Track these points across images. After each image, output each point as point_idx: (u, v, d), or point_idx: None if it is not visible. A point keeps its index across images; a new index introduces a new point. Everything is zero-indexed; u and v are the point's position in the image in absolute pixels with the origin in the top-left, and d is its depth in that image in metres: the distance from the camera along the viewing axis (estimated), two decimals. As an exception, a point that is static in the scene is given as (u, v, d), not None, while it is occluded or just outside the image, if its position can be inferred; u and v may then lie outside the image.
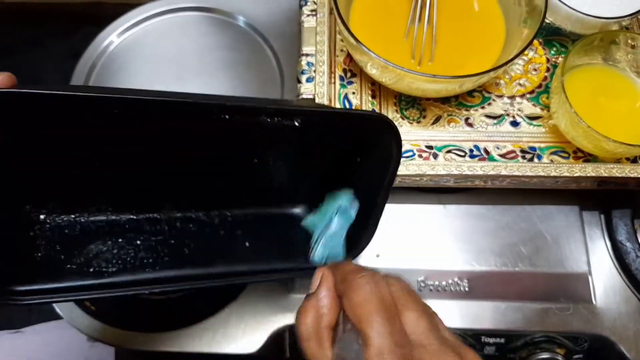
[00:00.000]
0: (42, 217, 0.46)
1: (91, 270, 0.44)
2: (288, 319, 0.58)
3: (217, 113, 0.41)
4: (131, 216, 0.48)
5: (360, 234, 0.46)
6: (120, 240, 0.47)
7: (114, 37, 0.76)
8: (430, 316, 0.35)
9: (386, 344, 0.31)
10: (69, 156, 0.44)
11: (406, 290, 0.36)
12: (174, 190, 0.48)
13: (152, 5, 0.77)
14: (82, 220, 0.47)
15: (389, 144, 0.43)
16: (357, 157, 0.47)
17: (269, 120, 0.43)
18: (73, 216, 0.47)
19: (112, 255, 0.45)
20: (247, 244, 0.49)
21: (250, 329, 0.58)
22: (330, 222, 0.45)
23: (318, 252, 0.44)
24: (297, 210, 0.52)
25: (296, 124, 0.45)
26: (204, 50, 0.74)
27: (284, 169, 0.49)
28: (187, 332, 0.58)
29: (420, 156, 0.56)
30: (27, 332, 0.97)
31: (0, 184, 0.42)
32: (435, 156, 0.56)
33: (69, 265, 0.44)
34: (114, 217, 0.48)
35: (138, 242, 0.47)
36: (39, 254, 0.43)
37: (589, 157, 0.57)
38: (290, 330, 0.59)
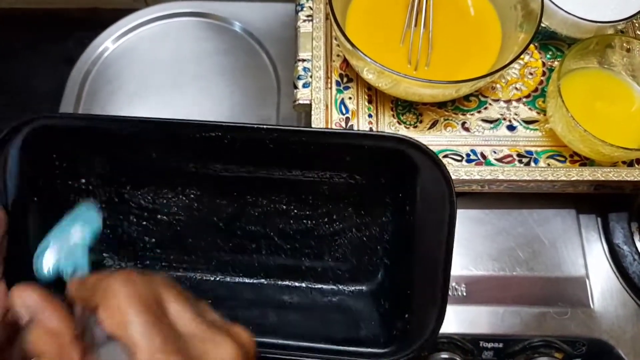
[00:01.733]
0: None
1: None
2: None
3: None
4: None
5: (426, 310, 0.40)
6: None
7: (109, 42, 0.76)
8: (195, 303, 0.33)
9: (156, 343, 0.28)
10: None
11: (166, 283, 0.33)
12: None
13: (147, 10, 0.77)
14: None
15: (436, 183, 0.38)
16: (403, 205, 0.42)
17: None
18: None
19: None
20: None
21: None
22: (69, 232, 0.39)
23: (47, 261, 0.37)
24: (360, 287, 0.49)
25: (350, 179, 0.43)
26: (200, 55, 0.74)
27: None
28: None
29: (417, 161, 0.56)
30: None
31: None
32: (432, 161, 0.56)
33: None
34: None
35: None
36: None
37: (585, 161, 0.57)
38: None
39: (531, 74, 0.62)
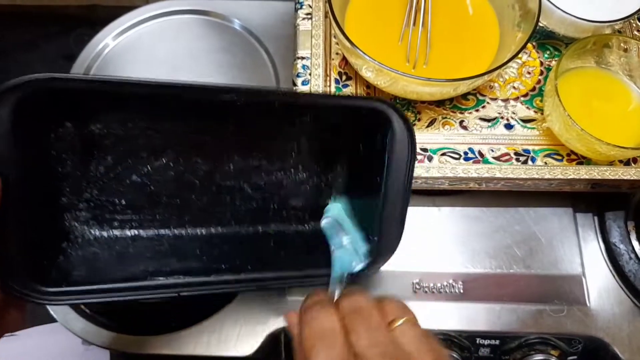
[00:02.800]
0: (77, 226, 0.47)
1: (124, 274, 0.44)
2: (283, 321, 0.59)
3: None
4: (163, 229, 0.49)
5: (384, 240, 0.46)
6: (153, 246, 0.48)
7: (109, 40, 0.76)
8: (394, 331, 0.36)
9: None
10: (122, 164, 0.46)
11: (367, 307, 0.37)
12: (208, 204, 0.49)
13: (147, 8, 0.77)
14: (119, 233, 0.48)
15: (399, 133, 0.43)
16: (370, 156, 0.47)
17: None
18: (112, 231, 0.48)
19: (146, 260, 0.46)
20: (281, 253, 0.50)
21: (245, 331, 0.58)
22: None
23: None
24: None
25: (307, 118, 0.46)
26: (199, 53, 0.74)
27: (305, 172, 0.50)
28: (183, 335, 0.58)
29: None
30: (22, 335, 0.96)
31: (45, 187, 0.43)
32: (430, 159, 0.56)
33: (102, 267, 0.45)
34: (151, 232, 0.49)
35: (167, 246, 0.48)
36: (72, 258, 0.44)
37: (582, 160, 0.57)
38: (285, 332, 0.59)
39: (529, 73, 0.62)
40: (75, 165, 0.45)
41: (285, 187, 0.50)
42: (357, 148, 0.48)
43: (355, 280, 0.45)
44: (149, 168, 0.47)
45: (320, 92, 0.46)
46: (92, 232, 0.47)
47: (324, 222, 0.48)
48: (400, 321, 0.36)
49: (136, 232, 0.48)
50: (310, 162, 0.50)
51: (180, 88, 0.40)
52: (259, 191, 0.50)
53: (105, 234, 0.47)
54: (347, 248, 0.45)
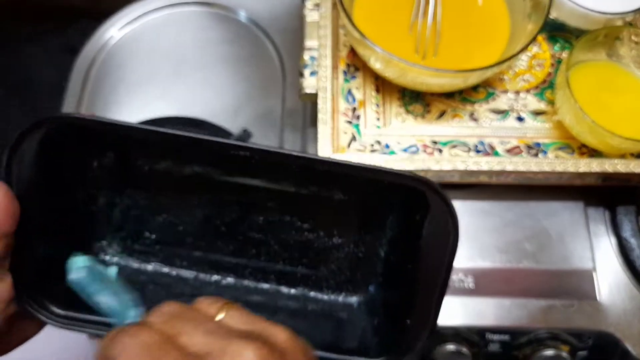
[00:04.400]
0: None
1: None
2: None
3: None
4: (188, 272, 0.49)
5: (418, 330, 0.41)
6: (172, 284, 0.47)
7: (113, 32, 0.75)
8: (219, 322, 0.33)
9: None
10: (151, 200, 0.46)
11: (180, 312, 0.34)
12: (232, 253, 0.48)
13: (152, 0, 0.77)
14: (138, 266, 0.48)
15: (440, 214, 0.38)
16: (406, 237, 0.43)
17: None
18: (132, 262, 0.48)
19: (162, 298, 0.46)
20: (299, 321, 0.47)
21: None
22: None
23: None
24: (353, 299, 0.49)
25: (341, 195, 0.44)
26: (204, 45, 0.74)
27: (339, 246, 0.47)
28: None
29: (424, 151, 0.56)
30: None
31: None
32: (440, 151, 0.56)
33: None
34: (172, 271, 0.48)
35: (188, 287, 0.48)
36: None
37: (593, 153, 0.56)
38: None
39: (539, 65, 0.61)
40: (102, 197, 0.45)
41: (314, 250, 0.48)
42: (392, 225, 0.46)
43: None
44: (176, 205, 0.47)
45: (353, 161, 0.42)
46: (113, 259, 0.47)
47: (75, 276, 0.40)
48: (223, 312, 0.34)
49: (157, 267, 0.48)
50: (341, 229, 0.47)
51: (201, 141, 0.38)
52: (286, 250, 0.48)
53: (124, 262, 0.48)
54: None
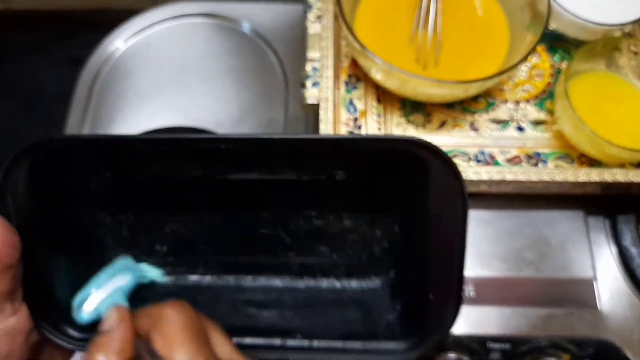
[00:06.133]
0: None
1: None
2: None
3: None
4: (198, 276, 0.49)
5: (442, 305, 0.40)
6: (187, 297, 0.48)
7: (119, 43, 0.76)
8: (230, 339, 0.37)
9: None
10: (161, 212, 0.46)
11: (208, 319, 0.37)
12: (243, 253, 0.48)
13: (157, 11, 0.78)
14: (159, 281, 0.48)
15: (444, 177, 0.38)
16: (413, 208, 0.43)
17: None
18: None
19: None
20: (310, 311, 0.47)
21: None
22: (110, 281, 0.41)
23: (87, 308, 0.40)
24: (373, 283, 0.49)
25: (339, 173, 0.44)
26: (208, 56, 0.74)
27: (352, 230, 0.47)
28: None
29: (425, 161, 0.56)
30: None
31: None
32: (441, 161, 0.56)
33: None
34: (186, 283, 0.49)
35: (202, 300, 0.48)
36: None
37: (593, 163, 0.57)
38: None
39: (539, 75, 0.62)
40: (105, 215, 0.46)
41: (326, 237, 0.47)
42: (397, 200, 0.45)
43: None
44: (182, 214, 0.47)
45: (348, 133, 0.41)
46: None
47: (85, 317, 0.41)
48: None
49: (173, 279, 0.48)
50: (349, 211, 0.47)
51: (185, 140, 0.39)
52: (298, 241, 0.48)
53: None
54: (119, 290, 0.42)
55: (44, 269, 0.40)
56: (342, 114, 0.59)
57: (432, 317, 0.41)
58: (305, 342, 0.43)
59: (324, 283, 0.48)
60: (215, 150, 0.39)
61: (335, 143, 0.39)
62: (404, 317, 0.45)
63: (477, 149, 0.57)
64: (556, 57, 0.63)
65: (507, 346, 0.57)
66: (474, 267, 0.59)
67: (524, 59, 0.53)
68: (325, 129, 0.57)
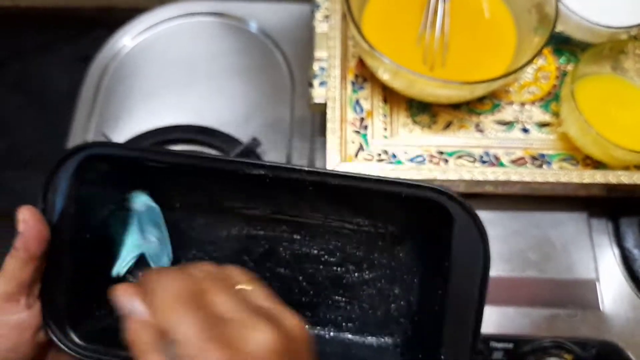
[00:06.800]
0: None
1: None
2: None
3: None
4: None
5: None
6: None
7: (126, 41, 0.77)
8: (242, 291, 0.35)
9: (193, 331, 0.30)
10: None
11: (214, 272, 0.36)
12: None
13: (164, 10, 0.78)
14: None
15: (470, 235, 0.37)
16: (434, 255, 0.41)
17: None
18: None
19: None
20: None
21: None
22: (145, 236, 0.43)
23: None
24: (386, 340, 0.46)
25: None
26: (216, 54, 0.75)
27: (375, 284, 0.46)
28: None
29: (431, 161, 0.57)
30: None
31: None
32: (446, 161, 0.56)
33: None
34: None
35: None
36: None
37: (597, 165, 0.57)
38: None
39: (545, 77, 0.62)
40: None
41: (343, 286, 0.46)
42: (417, 243, 0.44)
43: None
44: (206, 240, 0.47)
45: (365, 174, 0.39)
46: None
47: (137, 207, 0.44)
48: (250, 284, 0.36)
49: None
50: (369, 262, 0.45)
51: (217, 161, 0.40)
52: (315, 286, 0.46)
53: None
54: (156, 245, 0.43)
55: (64, 272, 0.40)
56: (348, 114, 0.59)
57: None
58: None
59: (335, 335, 0.47)
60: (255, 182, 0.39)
61: (359, 182, 0.39)
62: None
63: (483, 149, 0.58)
64: (562, 60, 0.63)
65: (510, 346, 0.57)
66: (478, 267, 0.60)
67: (531, 61, 0.53)
68: (333, 128, 0.57)
